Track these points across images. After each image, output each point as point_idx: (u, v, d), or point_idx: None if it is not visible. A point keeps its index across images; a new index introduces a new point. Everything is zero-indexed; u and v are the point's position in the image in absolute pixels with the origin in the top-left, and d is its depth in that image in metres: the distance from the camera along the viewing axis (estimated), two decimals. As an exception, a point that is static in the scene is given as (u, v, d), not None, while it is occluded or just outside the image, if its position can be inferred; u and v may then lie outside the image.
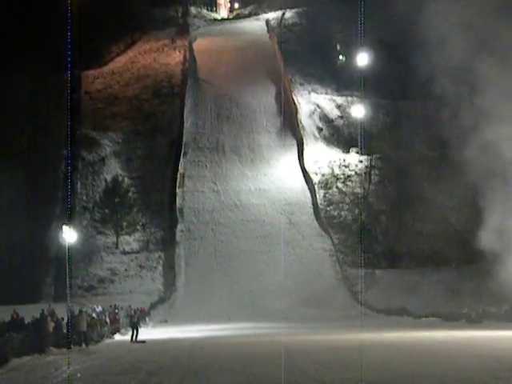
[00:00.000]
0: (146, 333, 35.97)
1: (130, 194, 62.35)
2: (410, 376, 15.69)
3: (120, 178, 63.11)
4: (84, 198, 63.35)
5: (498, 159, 45.59)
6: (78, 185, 63.92)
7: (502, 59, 40.48)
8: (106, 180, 63.69)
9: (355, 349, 23.84)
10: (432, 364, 18.37)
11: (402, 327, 36.62)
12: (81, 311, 31.99)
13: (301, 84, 73.50)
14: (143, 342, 31.12)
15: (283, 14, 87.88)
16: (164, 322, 48.29)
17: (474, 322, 40.11)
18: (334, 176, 64.91)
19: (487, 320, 39.92)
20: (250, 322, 45.55)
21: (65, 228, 43.85)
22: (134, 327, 32.50)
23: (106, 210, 60.74)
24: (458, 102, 50.54)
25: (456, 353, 21.67)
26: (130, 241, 60.17)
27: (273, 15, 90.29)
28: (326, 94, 72.44)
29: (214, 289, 54.66)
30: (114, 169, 65.35)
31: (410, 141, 58.18)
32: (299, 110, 70.21)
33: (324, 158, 66.07)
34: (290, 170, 65.46)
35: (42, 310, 29.97)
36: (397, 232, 57.05)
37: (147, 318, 47.45)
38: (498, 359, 19.22)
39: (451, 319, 41.90)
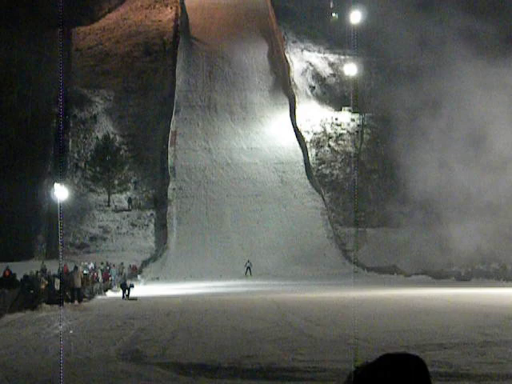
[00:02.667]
0: (138, 290, 36.18)
1: (121, 152, 62.18)
2: (400, 332, 15.86)
3: (111, 136, 62.85)
4: (75, 155, 63.14)
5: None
6: (70, 142, 63.66)
7: None
8: (97, 138, 63.43)
9: (346, 306, 24.08)
10: (421, 321, 18.57)
11: (392, 285, 36.95)
12: (76, 267, 32.08)
13: (293, 42, 72.89)
14: (135, 299, 31.33)
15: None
16: (156, 279, 48.59)
17: (463, 279, 40.55)
18: (326, 135, 64.80)
19: (476, 278, 40.35)
20: (241, 279, 45.91)
21: (56, 185, 43.78)
22: (125, 287, 32.67)
23: (98, 168, 60.60)
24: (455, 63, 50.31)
25: (445, 310, 21.90)
26: (122, 199, 60.19)
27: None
28: (319, 52, 71.89)
29: (206, 247, 54.92)
30: (105, 127, 65.02)
31: (402, 99, 57.98)
32: (291, 68, 69.73)
33: (316, 117, 65.86)
34: (282, 129, 65.28)
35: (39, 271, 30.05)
36: (388, 191, 57.21)
37: (139, 276, 47.73)
38: (486, 315, 19.45)
39: (441, 277, 42.33)
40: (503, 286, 34.22)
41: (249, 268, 50.64)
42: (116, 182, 60.29)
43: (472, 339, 14.51)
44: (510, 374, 10.82)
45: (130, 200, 59.66)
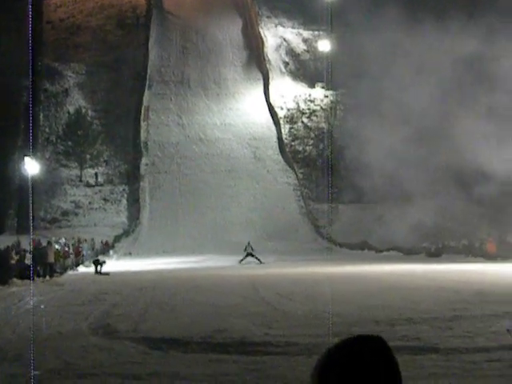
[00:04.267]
0: (110, 265, 36.08)
1: (93, 127, 61.64)
2: (370, 308, 16.04)
3: (83, 111, 62.22)
4: (47, 129, 62.46)
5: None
6: (41, 116, 62.91)
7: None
8: (69, 112, 62.76)
9: (318, 281, 24.27)
10: (392, 296, 18.78)
11: (363, 261, 37.26)
12: (49, 242, 31.89)
13: (268, 17, 72.44)
14: (107, 274, 31.27)
15: None
16: (128, 254, 48.48)
17: (433, 255, 41.04)
18: (300, 111, 64.80)
19: (446, 254, 40.85)
20: (214, 254, 45.98)
21: (27, 160, 43.32)
22: (97, 262, 32.57)
23: (70, 143, 60.06)
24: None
25: (415, 285, 22.17)
26: (94, 174, 59.78)
27: None
28: (293, 27, 71.58)
29: (179, 222, 54.88)
30: (77, 101, 64.33)
31: (375, 76, 58.08)
32: (265, 44, 69.42)
33: (290, 93, 65.77)
34: (256, 105, 65.13)
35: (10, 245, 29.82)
36: (360, 167, 57.46)
37: (111, 251, 47.59)
38: (455, 291, 19.73)
39: (411, 253, 42.76)
40: (471, 262, 34.73)
41: (251, 254, 38.65)
42: (88, 156, 59.83)
43: (441, 314, 14.73)
44: (477, 347, 11.02)
45: (96, 175, 59.22)
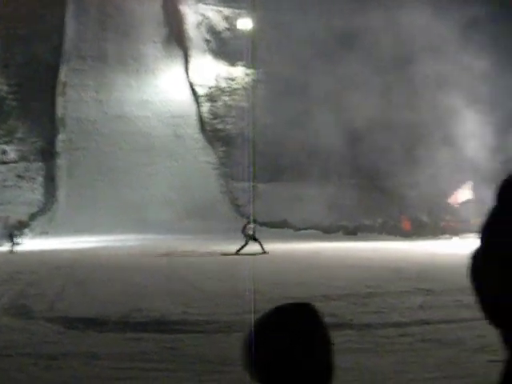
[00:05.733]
0: (26, 244, 35.32)
1: (7, 102, 59.81)
2: (289, 285, 16.28)
3: (-3, 85, 60.23)
4: (-42, 104, 60.20)
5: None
6: (-49, 90, 60.58)
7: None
8: (-19, 86, 60.65)
9: (238, 260, 24.44)
10: (309, 273, 19.10)
11: (282, 239, 37.70)
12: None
13: (188, -7, 71.68)
14: (21, 252, 30.56)
15: None
16: (45, 233, 47.51)
17: (350, 233, 41.97)
18: (220, 89, 64.61)
19: (362, 232, 41.84)
20: (133, 233, 45.56)
21: None
22: (11, 241, 31.78)
23: (-18, 118, 58.13)
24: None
25: (331, 263, 22.61)
26: (8, 150, 58.11)
27: None
28: (214, 5, 71.09)
29: (97, 200, 54.04)
30: (-11, 75, 62.20)
31: (298, 54, 58.49)
32: (186, 21, 68.72)
33: (210, 71, 65.45)
34: (176, 82, 64.54)
35: None
36: (281, 146, 57.86)
37: (27, 230, 46.51)
38: (370, 268, 20.23)
39: (330, 231, 43.57)
40: (386, 240, 35.73)
41: (253, 238, 28.83)
42: (1, 132, 58.06)
43: (356, 291, 15.09)
44: (390, 322, 11.36)
45: (4, 151, 57.40)
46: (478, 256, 0.92)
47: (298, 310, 1.80)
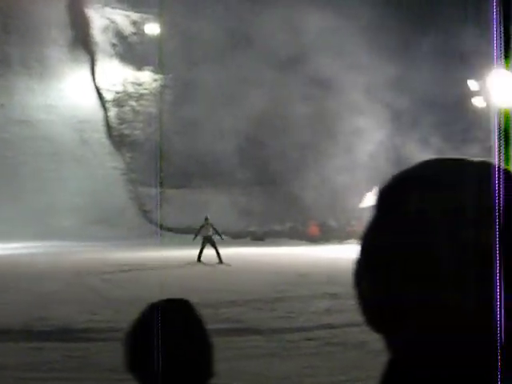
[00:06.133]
0: None
1: None
2: (196, 291, 16.19)
3: None
4: None
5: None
6: None
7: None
8: None
9: (146, 266, 24.17)
10: (216, 279, 19.12)
11: (190, 245, 37.50)
12: None
13: (95, -4, 70.59)
14: None
15: None
16: None
17: (258, 238, 42.30)
18: (128, 94, 63.93)
19: (271, 237, 42.23)
20: (36, 240, 44.32)
21: None
22: None
23: None
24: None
25: (238, 268, 22.69)
26: None
27: None
28: (121, 9, 70.30)
29: (-2, 207, 52.36)
30: None
31: (203, 58, 58.59)
32: (92, 25, 67.66)
33: (117, 76, 64.68)
34: (83, 87, 63.42)
35: None
36: (190, 152, 57.75)
37: None
38: (278, 273, 20.43)
39: (239, 237, 43.74)
40: (295, 245, 36.18)
41: (210, 242, 25.55)
42: None
43: (264, 296, 15.20)
44: (297, 327, 11.50)
45: None
46: (360, 261, 0.93)
47: (172, 306, 1.82)
